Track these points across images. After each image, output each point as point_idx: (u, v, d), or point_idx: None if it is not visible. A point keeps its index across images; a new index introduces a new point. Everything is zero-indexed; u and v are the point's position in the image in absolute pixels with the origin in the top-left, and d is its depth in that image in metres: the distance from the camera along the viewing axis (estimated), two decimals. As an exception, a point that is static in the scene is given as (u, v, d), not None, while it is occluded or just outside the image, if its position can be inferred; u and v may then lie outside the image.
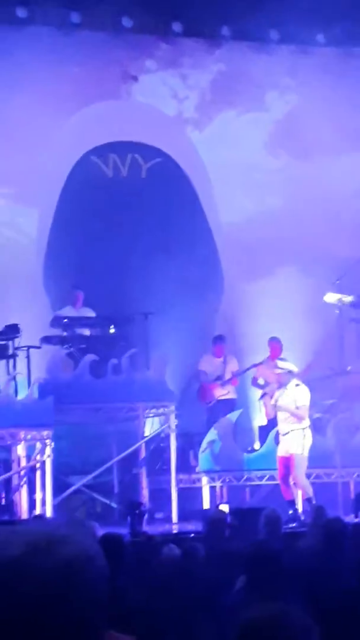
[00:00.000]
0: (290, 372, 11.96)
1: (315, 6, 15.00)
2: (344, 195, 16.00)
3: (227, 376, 13.77)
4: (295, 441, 11.66)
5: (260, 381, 13.63)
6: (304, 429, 11.71)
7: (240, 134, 16.22)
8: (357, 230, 15.42)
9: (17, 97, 14.89)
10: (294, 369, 12.27)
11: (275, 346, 13.84)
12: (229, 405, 13.59)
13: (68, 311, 13.33)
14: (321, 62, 16.43)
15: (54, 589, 1.82)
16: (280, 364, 12.20)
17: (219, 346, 13.96)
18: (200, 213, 16.10)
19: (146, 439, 12.62)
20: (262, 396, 13.44)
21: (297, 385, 11.92)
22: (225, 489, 12.87)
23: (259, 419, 13.93)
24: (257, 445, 13.48)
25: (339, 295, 13.43)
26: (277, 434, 12.09)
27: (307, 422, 11.81)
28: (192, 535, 10.10)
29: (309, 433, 11.77)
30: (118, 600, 5.49)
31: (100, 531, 7.63)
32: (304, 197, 16.04)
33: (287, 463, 11.73)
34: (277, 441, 12.13)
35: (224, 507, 10.88)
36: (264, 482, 12.68)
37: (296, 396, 11.80)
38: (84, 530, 2.09)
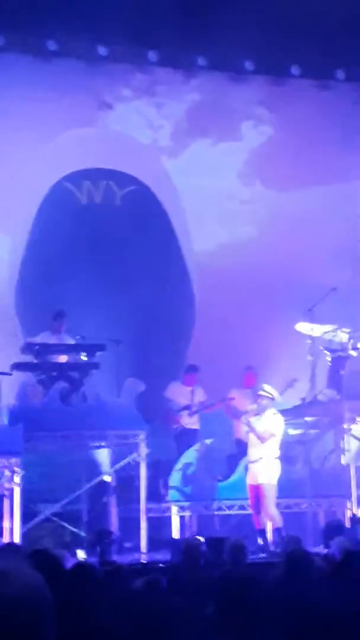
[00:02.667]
0: (272, 398, 11.93)
1: (290, 37, 15.12)
2: (317, 226, 16.07)
3: (194, 407, 13.74)
4: (264, 470, 11.62)
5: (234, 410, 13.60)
6: (273, 457, 11.68)
7: (214, 163, 16.28)
8: (329, 260, 15.48)
9: (-8, 122, 14.91)
10: (277, 396, 12.26)
11: (250, 375, 13.84)
12: (193, 435, 13.56)
13: (44, 337, 13.22)
14: (296, 93, 16.55)
15: None
16: (266, 387, 12.18)
17: (190, 375, 13.94)
18: (173, 241, 16.12)
19: (116, 467, 12.53)
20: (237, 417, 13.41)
21: (274, 414, 11.89)
22: (195, 518, 12.80)
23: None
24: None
25: (311, 325, 13.45)
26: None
27: (277, 452, 11.78)
28: (161, 565, 10.01)
29: (278, 463, 11.73)
30: (89, 629, 5.43)
31: (70, 560, 7.55)
32: (278, 226, 16.10)
33: (257, 491, 11.69)
34: (247, 469, 12.09)
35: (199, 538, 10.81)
36: (233, 511, 12.61)
37: (271, 424, 11.76)
38: (26, 564, 2.04)
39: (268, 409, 11.89)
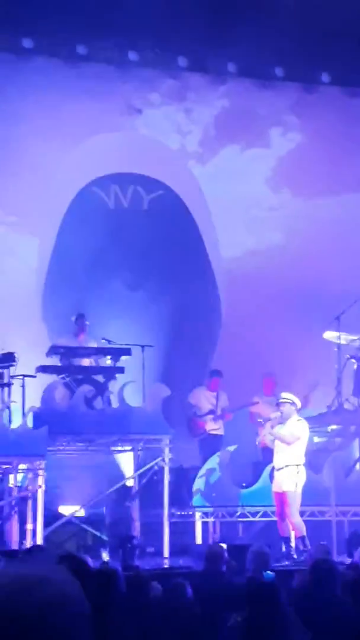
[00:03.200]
0: (293, 403, 11.82)
1: (320, 45, 15.09)
2: (345, 234, 16.01)
3: (219, 411, 13.72)
4: (289, 477, 11.55)
5: (260, 419, 13.56)
6: (297, 465, 11.60)
7: (242, 169, 16.25)
8: (357, 268, 15.41)
9: (21, 126, 14.95)
10: (297, 402, 12.20)
11: (269, 381, 13.80)
12: (218, 441, 13.53)
13: (68, 340, 13.23)
14: (325, 100, 16.51)
15: (29, 632, 1.81)
16: (284, 394, 12.08)
17: (214, 380, 13.91)
18: (200, 246, 16.10)
19: (139, 471, 12.51)
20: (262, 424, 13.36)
21: (298, 420, 11.81)
22: (218, 524, 12.76)
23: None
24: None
25: (337, 333, 13.38)
26: (272, 469, 11.98)
27: (302, 459, 11.69)
28: (183, 570, 9.97)
29: (303, 470, 11.64)
30: (110, 634, 5.41)
31: (93, 564, 7.53)
32: (305, 234, 16.06)
33: (282, 499, 11.62)
34: (271, 476, 12.02)
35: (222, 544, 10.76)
36: (257, 518, 12.56)
37: (295, 430, 11.68)
38: (63, 569, 2.04)
39: (292, 415, 11.80)
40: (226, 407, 13.79)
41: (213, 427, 13.69)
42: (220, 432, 13.74)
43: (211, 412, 13.73)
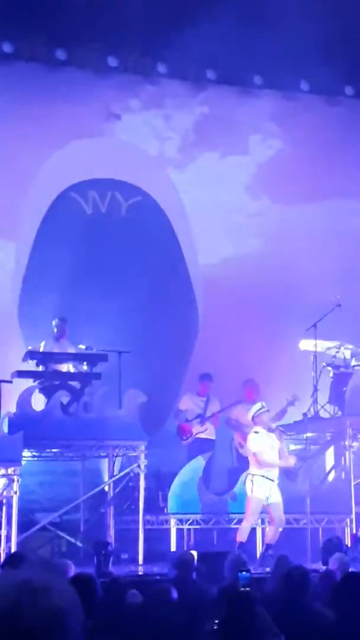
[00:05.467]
0: (267, 412, 11.81)
1: (300, 53, 15.12)
2: (324, 241, 16.05)
3: (208, 414, 13.69)
4: (247, 484, 11.61)
5: (236, 423, 13.60)
6: (253, 474, 11.57)
7: (221, 176, 16.27)
8: (335, 276, 15.44)
9: (0, 131, 14.91)
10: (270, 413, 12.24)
11: (251, 389, 13.79)
12: (207, 445, 13.50)
13: (47, 345, 13.18)
14: (304, 108, 16.55)
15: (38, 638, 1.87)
16: (254, 407, 12.06)
17: (204, 384, 13.87)
18: (178, 253, 16.09)
19: (115, 478, 12.47)
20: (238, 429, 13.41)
21: (255, 432, 11.74)
22: (193, 531, 12.73)
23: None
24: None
25: (314, 341, 13.42)
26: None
27: (255, 469, 11.60)
28: (158, 577, 9.94)
29: (257, 478, 11.56)
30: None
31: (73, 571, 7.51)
32: (284, 241, 16.08)
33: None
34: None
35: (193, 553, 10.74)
36: (232, 525, 12.54)
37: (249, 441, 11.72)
38: (60, 575, 2.06)
39: (267, 426, 11.79)
40: (217, 411, 13.75)
41: (200, 430, 13.66)
42: (209, 436, 13.70)
43: (198, 416, 13.71)
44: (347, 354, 13.66)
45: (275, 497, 11.59)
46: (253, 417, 11.79)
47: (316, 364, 13.50)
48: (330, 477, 13.35)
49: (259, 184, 16.57)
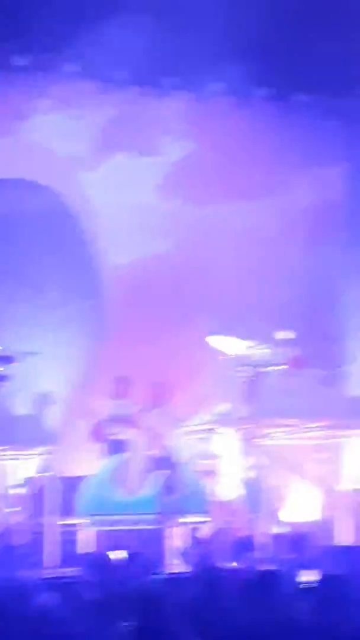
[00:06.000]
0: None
1: (211, 54, 15.10)
2: (235, 242, 16.07)
3: (124, 417, 13.61)
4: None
5: (147, 424, 13.56)
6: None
7: (133, 177, 16.20)
8: (246, 276, 15.50)
9: None
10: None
11: (158, 390, 13.76)
12: (121, 446, 13.41)
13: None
14: (216, 109, 16.56)
15: None
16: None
17: (120, 386, 13.79)
18: (89, 254, 15.98)
19: (24, 480, 12.33)
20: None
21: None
22: (104, 533, 12.62)
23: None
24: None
25: (228, 340, 13.44)
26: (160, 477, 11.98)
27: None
28: (68, 579, 9.80)
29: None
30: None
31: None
32: (196, 242, 16.08)
33: None
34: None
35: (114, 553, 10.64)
36: (144, 526, 12.47)
37: None
38: None
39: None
40: (132, 412, 13.68)
41: (114, 432, 13.58)
42: (125, 436, 13.62)
43: (114, 418, 13.61)
44: (261, 353, 13.69)
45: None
46: (220, 418, 12.18)
47: (229, 364, 13.50)
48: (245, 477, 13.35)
49: (170, 185, 16.54)
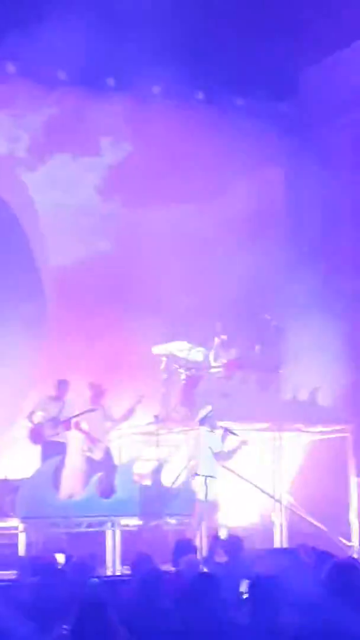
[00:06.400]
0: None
1: (152, 57, 15.14)
2: (174, 243, 16.13)
3: (62, 419, 13.58)
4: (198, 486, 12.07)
5: (84, 426, 13.57)
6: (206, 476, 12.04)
7: (73, 177, 16.18)
8: (184, 278, 15.56)
9: None
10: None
11: (96, 391, 13.77)
12: (58, 448, 13.37)
13: None
14: (156, 111, 16.59)
15: None
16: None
17: (61, 390, 13.74)
18: (29, 254, 15.91)
19: None
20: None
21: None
22: (43, 535, 12.57)
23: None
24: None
25: (162, 342, 13.49)
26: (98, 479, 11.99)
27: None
28: (6, 583, 9.77)
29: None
30: None
31: None
32: (135, 243, 16.10)
33: None
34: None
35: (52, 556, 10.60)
36: (82, 529, 12.45)
37: None
38: None
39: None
40: (71, 416, 13.66)
41: (51, 433, 13.53)
42: (61, 439, 13.59)
43: (53, 419, 13.56)
44: (199, 356, 13.77)
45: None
46: (203, 420, 12.22)
47: (168, 366, 13.55)
48: (181, 478, 13.39)
49: (109, 186, 16.55)
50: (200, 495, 12.08)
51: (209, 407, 12.31)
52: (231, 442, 12.38)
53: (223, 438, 12.32)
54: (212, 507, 12.23)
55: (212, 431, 12.25)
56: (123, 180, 16.52)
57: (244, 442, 12.35)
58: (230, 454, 12.28)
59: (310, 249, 16.42)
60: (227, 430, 12.34)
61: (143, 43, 14.88)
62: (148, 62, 15.43)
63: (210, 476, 12.09)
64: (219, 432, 12.28)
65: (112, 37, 14.59)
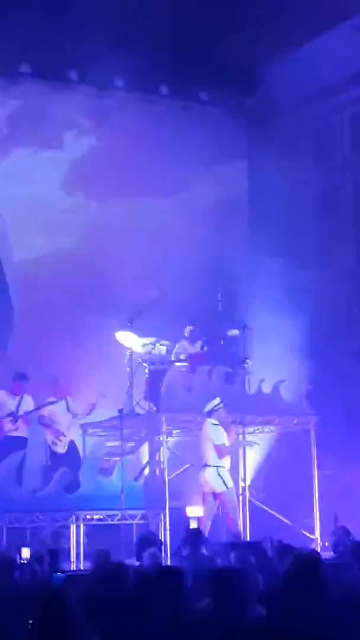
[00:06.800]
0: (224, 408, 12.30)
1: (115, 50, 15.10)
2: (138, 237, 16.11)
3: (20, 414, 13.55)
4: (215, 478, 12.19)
5: (47, 420, 13.56)
6: (218, 467, 12.23)
7: (36, 171, 16.10)
8: (149, 272, 15.55)
9: None
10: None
11: (57, 384, 13.76)
12: (19, 443, 13.33)
13: None
14: (119, 105, 16.58)
15: None
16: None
17: (18, 384, 13.70)
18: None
19: None
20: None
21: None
22: (6, 530, 12.53)
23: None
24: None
25: (131, 336, 13.47)
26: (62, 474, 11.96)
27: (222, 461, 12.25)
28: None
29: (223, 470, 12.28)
30: None
31: None
32: (99, 237, 16.08)
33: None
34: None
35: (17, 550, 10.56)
36: (47, 524, 12.41)
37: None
38: None
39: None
40: (30, 410, 13.62)
41: (11, 428, 13.49)
42: (21, 433, 13.55)
43: (11, 414, 13.52)
44: (163, 350, 13.77)
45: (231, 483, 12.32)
46: (211, 411, 12.33)
47: (132, 360, 13.55)
48: (145, 472, 13.41)
49: (73, 180, 16.50)
50: (217, 486, 12.18)
51: (217, 399, 12.43)
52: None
53: (229, 432, 12.41)
54: (232, 495, 12.33)
55: (217, 424, 12.30)
56: (86, 174, 16.48)
57: (249, 443, 12.52)
58: (230, 448, 12.41)
59: (274, 242, 16.46)
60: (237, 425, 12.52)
61: (105, 35, 14.83)
62: (111, 55, 15.38)
63: (221, 466, 12.22)
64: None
65: (74, 29, 14.53)
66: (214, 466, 12.26)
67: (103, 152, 16.53)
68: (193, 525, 11.88)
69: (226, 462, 12.40)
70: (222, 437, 12.34)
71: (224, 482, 12.23)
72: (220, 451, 12.26)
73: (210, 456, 12.29)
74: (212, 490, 12.26)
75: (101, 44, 15.00)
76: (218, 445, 12.28)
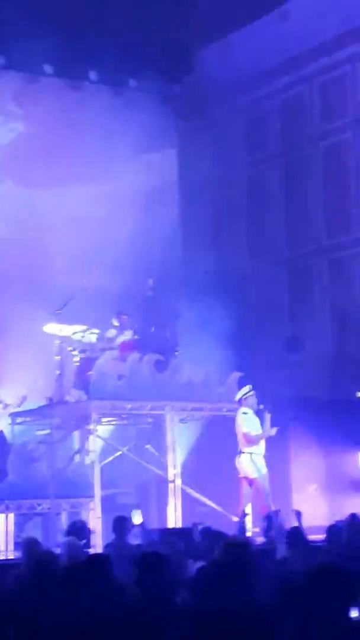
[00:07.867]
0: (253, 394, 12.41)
1: (42, 35, 14.93)
2: (69, 225, 15.96)
3: None
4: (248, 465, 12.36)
5: None
6: (252, 453, 12.39)
7: None
8: (79, 260, 15.45)
9: None
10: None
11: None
12: None
13: None
14: (47, 91, 16.41)
15: None
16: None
17: None
18: None
19: None
20: None
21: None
22: None
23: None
24: None
25: (60, 325, 13.38)
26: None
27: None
28: None
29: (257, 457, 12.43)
30: None
31: None
32: (28, 224, 15.89)
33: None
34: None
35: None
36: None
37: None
38: None
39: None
40: None
41: None
42: None
43: None
44: (93, 338, 13.69)
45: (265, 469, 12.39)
46: (240, 400, 12.51)
47: (61, 348, 13.45)
48: (75, 460, 13.34)
49: (1, 167, 16.30)
50: (251, 472, 12.30)
51: (248, 387, 12.44)
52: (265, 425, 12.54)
53: (262, 420, 12.46)
54: (265, 481, 12.38)
55: (247, 412, 12.36)
56: (15, 161, 16.29)
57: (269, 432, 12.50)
58: (258, 437, 12.41)
59: (204, 230, 16.46)
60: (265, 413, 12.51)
61: (34, 21, 14.66)
62: (39, 40, 15.21)
63: (255, 453, 12.35)
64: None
65: (2, 14, 14.34)
66: (247, 453, 12.35)
67: (32, 139, 16.35)
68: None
69: (260, 448, 12.47)
70: (252, 425, 12.43)
71: (257, 468, 12.28)
72: (248, 440, 12.37)
73: (243, 443, 12.36)
74: (245, 475, 12.36)
75: (30, 29, 14.83)
76: (246, 433, 12.38)
